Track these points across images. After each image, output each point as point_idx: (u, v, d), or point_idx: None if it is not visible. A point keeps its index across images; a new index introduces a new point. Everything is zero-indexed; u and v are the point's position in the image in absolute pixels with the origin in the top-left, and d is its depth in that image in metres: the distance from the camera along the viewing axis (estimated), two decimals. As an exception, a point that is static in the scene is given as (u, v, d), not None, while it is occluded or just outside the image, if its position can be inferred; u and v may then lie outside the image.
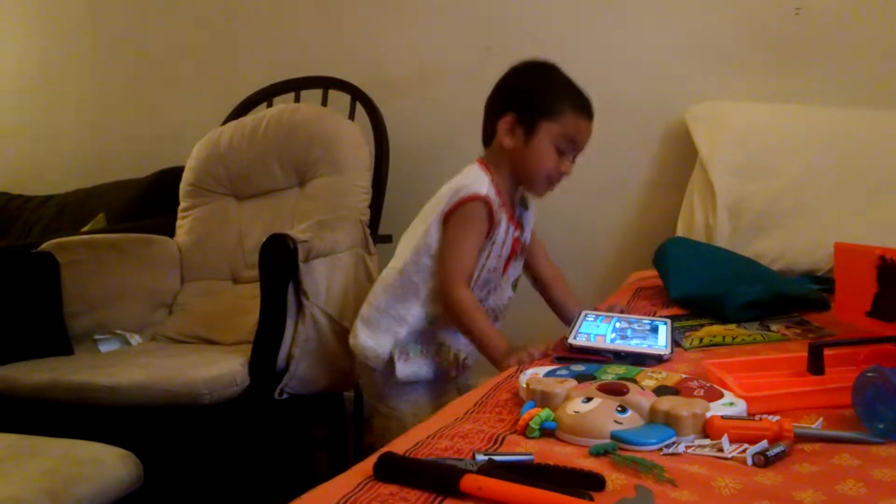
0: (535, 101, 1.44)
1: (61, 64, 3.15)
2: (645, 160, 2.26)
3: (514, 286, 1.63)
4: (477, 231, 1.45)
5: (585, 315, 1.39)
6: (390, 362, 1.52)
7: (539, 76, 1.49)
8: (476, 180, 1.46)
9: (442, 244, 1.47)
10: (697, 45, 2.18)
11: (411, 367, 1.52)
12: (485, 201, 1.44)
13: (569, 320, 1.58)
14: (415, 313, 1.51)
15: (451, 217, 1.46)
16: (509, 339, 1.42)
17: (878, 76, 2.01)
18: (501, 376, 1.19)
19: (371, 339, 1.54)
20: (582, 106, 1.46)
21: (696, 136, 2.06)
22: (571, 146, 1.46)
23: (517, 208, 1.57)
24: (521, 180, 1.52)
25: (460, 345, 1.55)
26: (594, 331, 1.30)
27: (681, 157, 2.16)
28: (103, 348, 2.02)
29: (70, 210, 2.78)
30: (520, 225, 1.56)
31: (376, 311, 1.54)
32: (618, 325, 1.33)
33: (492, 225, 1.46)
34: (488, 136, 1.52)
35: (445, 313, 1.49)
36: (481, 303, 1.52)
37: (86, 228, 2.51)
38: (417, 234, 1.51)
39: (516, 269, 1.61)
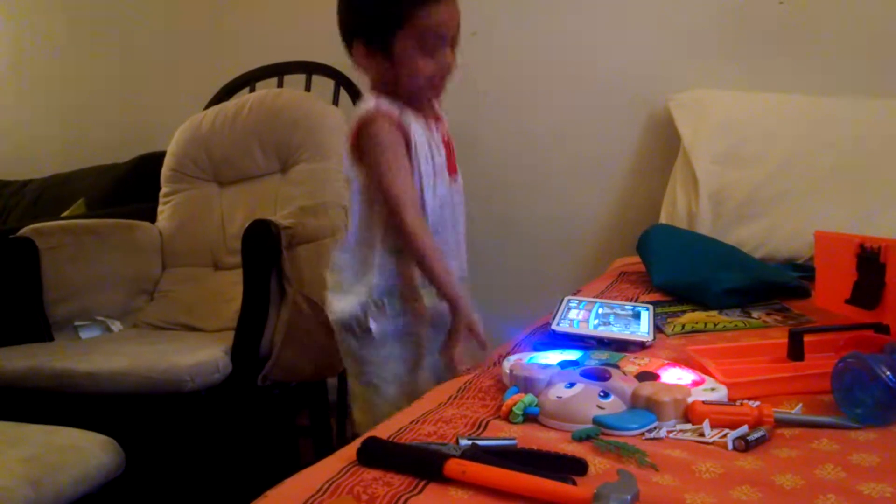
0: (375, 19, 1.31)
1: (37, 46, 3.09)
2: (628, 147, 2.26)
3: None
4: (392, 147, 1.31)
5: (568, 300, 1.39)
6: (365, 321, 1.38)
7: None
8: (363, 105, 1.35)
9: (372, 177, 1.34)
10: (682, 32, 2.18)
11: (386, 322, 1.38)
12: (383, 114, 1.31)
13: None
14: (378, 254, 1.37)
15: (362, 146, 1.33)
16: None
17: (860, 65, 2.02)
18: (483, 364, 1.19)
19: (342, 301, 1.41)
20: None
21: (679, 123, 2.07)
22: (440, 39, 1.32)
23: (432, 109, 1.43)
24: (407, 97, 1.37)
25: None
26: (577, 317, 1.31)
27: (664, 144, 2.16)
28: (84, 335, 2.00)
29: (48, 195, 2.75)
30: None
31: (339, 272, 1.43)
32: (600, 310, 1.33)
33: (404, 134, 1.33)
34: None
35: (405, 248, 1.34)
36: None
37: (65, 214, 2.48)
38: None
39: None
